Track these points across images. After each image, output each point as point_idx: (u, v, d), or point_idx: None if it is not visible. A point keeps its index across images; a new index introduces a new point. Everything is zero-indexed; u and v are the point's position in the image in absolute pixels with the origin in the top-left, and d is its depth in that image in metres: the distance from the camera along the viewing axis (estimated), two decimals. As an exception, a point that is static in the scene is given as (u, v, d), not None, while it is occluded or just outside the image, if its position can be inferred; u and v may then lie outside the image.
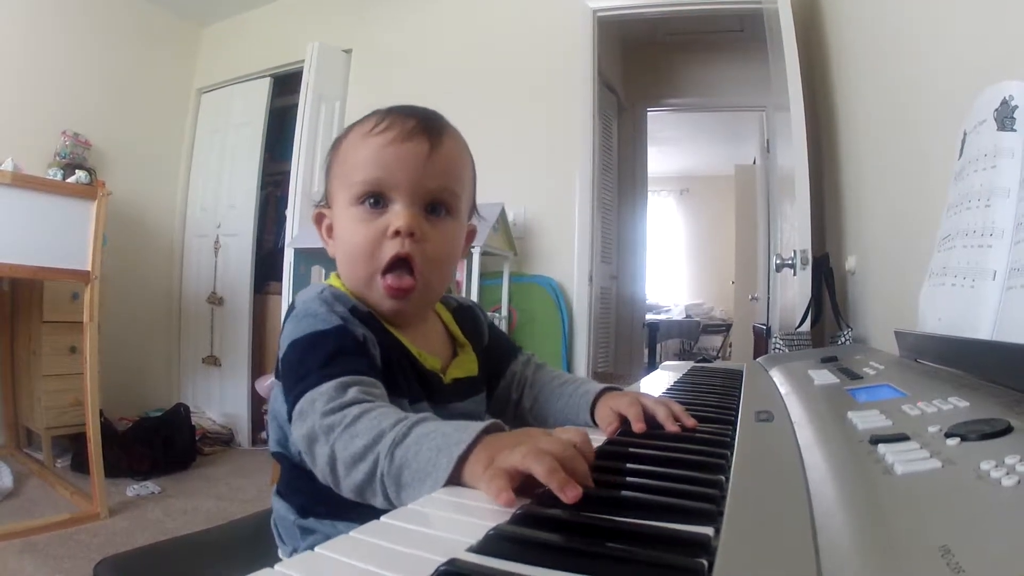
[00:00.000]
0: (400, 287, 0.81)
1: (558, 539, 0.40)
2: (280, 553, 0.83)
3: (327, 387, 0.66)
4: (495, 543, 0.39)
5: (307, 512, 0.77)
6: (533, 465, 0.49)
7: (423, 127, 0.81)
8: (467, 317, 0.99)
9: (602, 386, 0.88)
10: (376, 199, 0.80)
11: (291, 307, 0.81)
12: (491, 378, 0.99)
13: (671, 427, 0.73)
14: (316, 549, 0.38)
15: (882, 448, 0.49)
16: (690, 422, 0.74)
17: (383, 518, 0.44)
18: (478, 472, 0.53)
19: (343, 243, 0.83)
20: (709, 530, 0.40)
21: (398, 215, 0.79)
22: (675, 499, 0.46)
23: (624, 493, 0.50)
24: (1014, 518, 0.34)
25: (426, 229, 0.80)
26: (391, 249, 0.79)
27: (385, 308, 0.83)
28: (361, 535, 0.41)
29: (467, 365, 0.92)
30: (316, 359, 0.70)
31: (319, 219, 0.90)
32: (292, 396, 0.69)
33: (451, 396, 0.86)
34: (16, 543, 2.40)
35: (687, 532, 0.40)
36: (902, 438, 0.51)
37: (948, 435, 0.48)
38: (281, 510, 0.81)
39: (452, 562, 0.35)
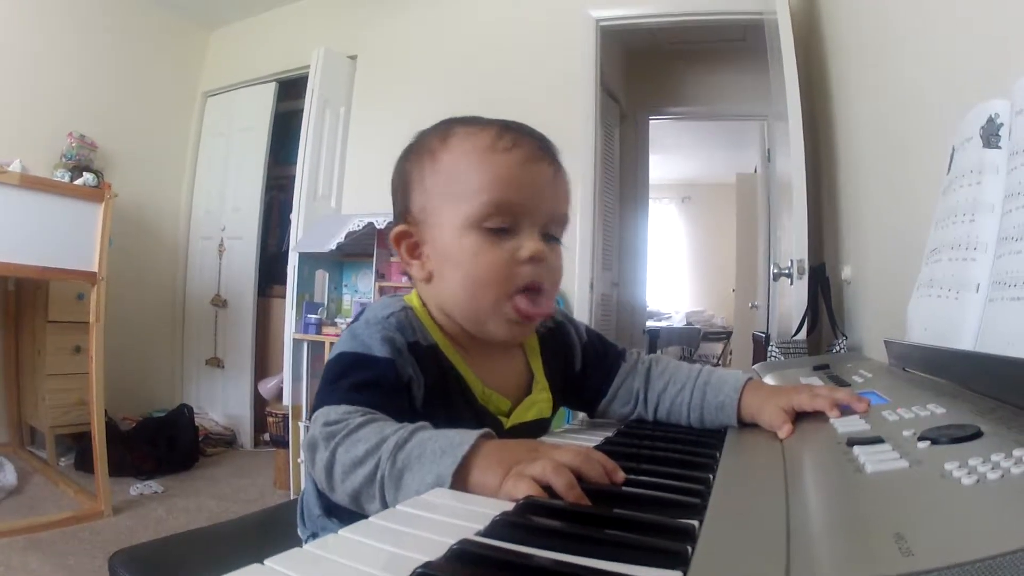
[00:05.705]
0: (536, 312, 0.78)
1: (559, 525, 0.44)
2: (300, 532, 0.85)
3: (344, 408, 0.67)
4: (500, 528, 0.43)
5: (331, 512, 0.78)
6: (554, 478, 0.52)
7: (544, 149, 0.79)
8: (557, 343, 0.94)
9: (737, 385, 0.83)
10: (502, 222, 0.76)
11: (360, 314, 0.80)
12: (595, 393, 0.95)
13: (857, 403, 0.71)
14: (340, 532, 0.42)
15: (857, 449, 0.52)
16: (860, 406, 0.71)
17: (398, 506, 0.48)
18: (495, 476, 0.55)
19: (461, 267, 0.77)
20: (694, 521, 0.43)
21: (529, 240, 0.76)
22: (665, 493, 0.50)
23: (620, 488, 0.54)
24: (967, 512, 0.37)
25: (548, 255, 0.78)
26: (525, 276, 0.77)
27: (503, 335, 0.80)
28: (380, 520, 0.45)
29: (538, 406, 0.88)
30: (350, 380, 0.71)
31: (401, 237, 0.83)
32: (316, 401, 0.71)
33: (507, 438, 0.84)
34: (20, 540, 2.43)
35: (674, 522, 0.43)
36: (877, 441, 0.54)
37: (921, 439, 0.51)
38: (311, 496, 0.82)
39: (464, 542, 0.39)
